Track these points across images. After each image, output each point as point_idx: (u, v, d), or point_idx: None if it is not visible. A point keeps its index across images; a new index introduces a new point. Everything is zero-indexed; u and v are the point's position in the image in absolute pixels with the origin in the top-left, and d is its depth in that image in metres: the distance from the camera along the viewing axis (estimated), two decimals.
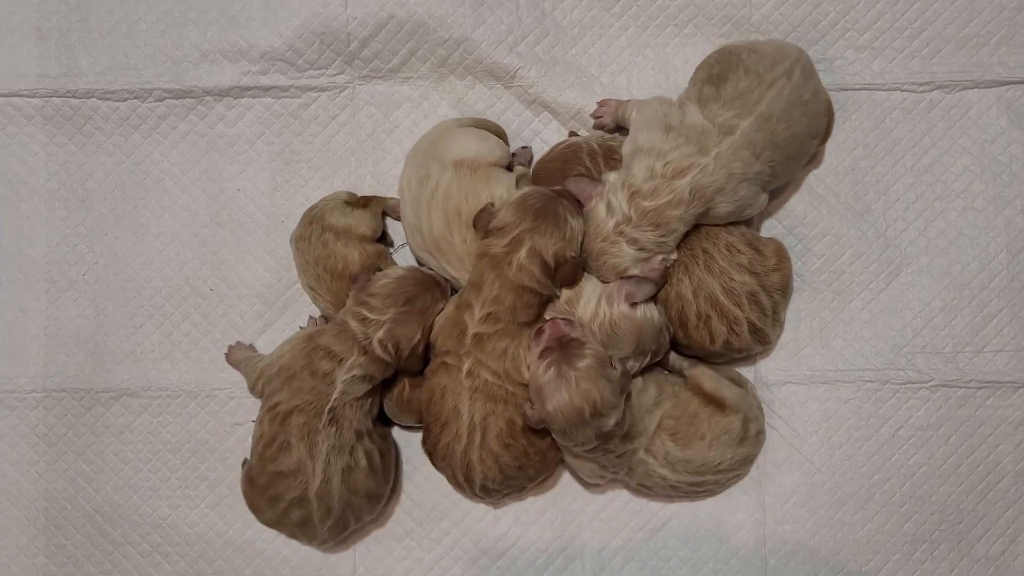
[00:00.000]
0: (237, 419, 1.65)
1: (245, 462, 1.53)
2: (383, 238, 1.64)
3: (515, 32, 1.64)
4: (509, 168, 1.58)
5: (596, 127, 1.63)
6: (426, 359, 1.50)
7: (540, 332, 1.40)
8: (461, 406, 1.42)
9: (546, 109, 1.66)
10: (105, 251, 1.69)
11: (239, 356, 1.60)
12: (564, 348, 1.35)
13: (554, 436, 1.41)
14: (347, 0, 1.62)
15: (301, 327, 1.61)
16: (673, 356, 1.56)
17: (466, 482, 1.47)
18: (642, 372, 1.50)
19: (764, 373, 1.61)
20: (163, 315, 1.68)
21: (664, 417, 1.46)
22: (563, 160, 1.56)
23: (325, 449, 1.43)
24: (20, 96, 1.68)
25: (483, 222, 1.43)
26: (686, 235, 1.46)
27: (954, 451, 1.60)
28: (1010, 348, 1.60)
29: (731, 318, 1.47)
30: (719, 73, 1.46)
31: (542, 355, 1.37)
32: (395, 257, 1.65)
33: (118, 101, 1.68)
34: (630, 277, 1.43)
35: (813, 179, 1.63)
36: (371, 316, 1.44)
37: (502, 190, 1.49)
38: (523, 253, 1.40)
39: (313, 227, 1.56)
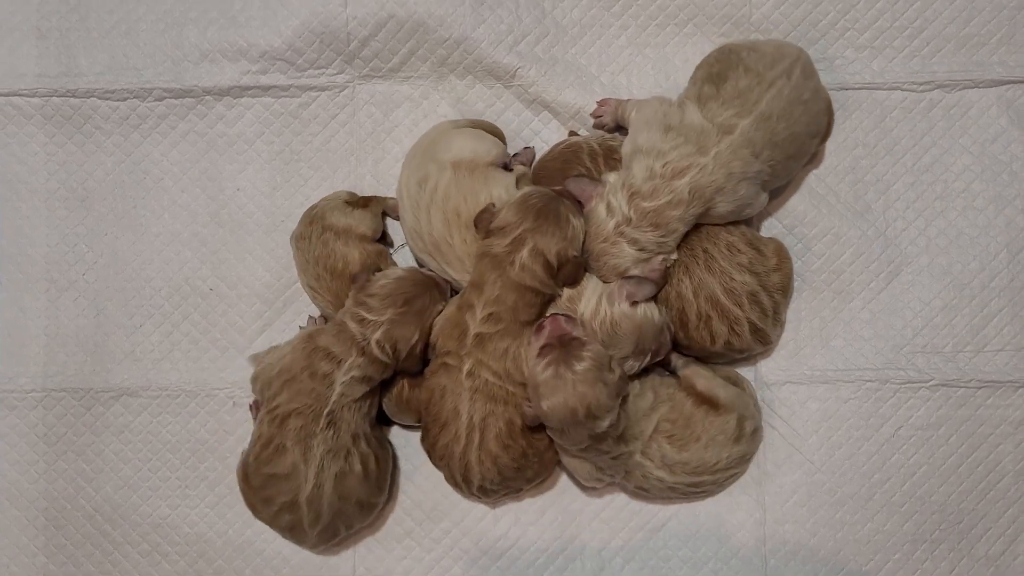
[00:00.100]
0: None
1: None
2: (383, 238, 1.64)
3: (515, 31, 1.64)
4: (507, 167, 1.58)
5: (596, 127, 1.63)
6: (425, 360, 1.50)
7: (541, 328, 1.40)
8: (460, 407, 1.42)
9: (546, 108, 1.66)
10: (105, 251, 1.69)
11: None
12: (564, 347, 1.35)
13: (549, 434, 1.41)
14: (347, 0, 1.62)
15: (301, 327, 1.61)
16: (672, 356, 1.55)
17: (464, 482, 1.47)
18: (643, 372, 1.49)
19: (764, 373, 1.61)
20: (163, 315, 1.68)
21: (660, 420, 1.46)
22: (563, 160, 1.56)
23: (320, 454, 1.43)
24: (20, 95, 1.68)
25: (484, 222, 1.43)
26: (686, 235, 1.46)
27: (954, 451, 1.60)
28: (1010, 348, 1.60)
29: (732, 318, 1.47)
30: (719, 72, 1.46)
31: (542, 352, 1.37)
32: (395, 257, 1.65)
33: (118, 101, 1.68)
34: (631, 277, 1.43)
35: (813, 178, 1.63)
36: (369, 317, 1.43)
37: (500, 190, 1.49)
38: (525, 253, 1.39)
39: (313, 226, 1.56)
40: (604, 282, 1.46)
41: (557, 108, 1.65)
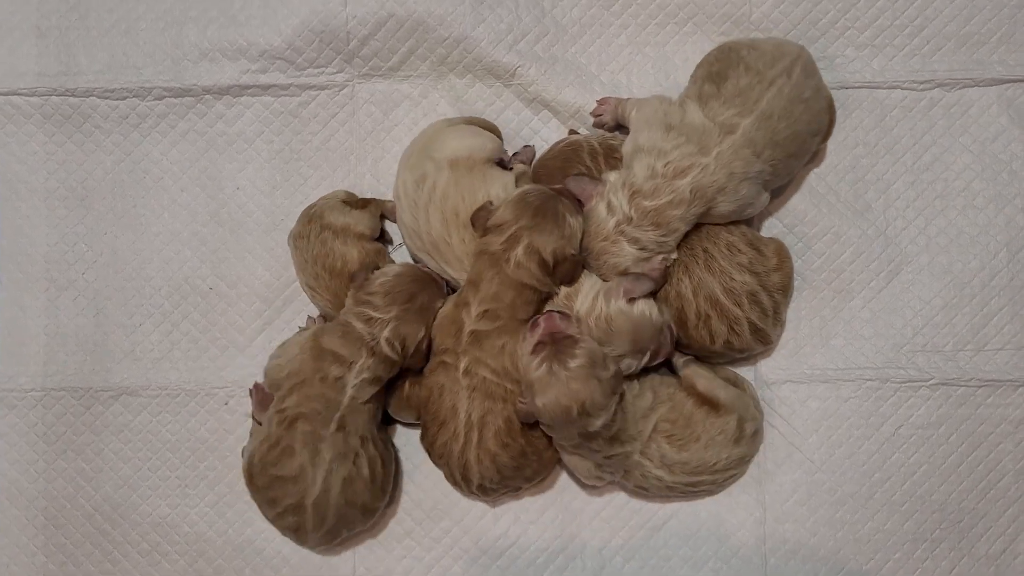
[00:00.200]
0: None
1: (244, 452, 1.54)
2: (381, 236, 1.64)
3: (515, 30, 1.64)
4: (505, 164, 1.58)
5: (595, 125, 1.63)
6: (428, 356, 1.50)
7: (535, 325, 1.40)
8: (459, 405, 1.42)
9: (546, 107, 1.66)
10: (104, 250, 1.69)
11: None
12: (557, 344, 1.35)
13: (543, 429, 1.41)
14: None
15: (301, 327, 1.61)
16: (674, 355, 1.55)
17: (463, 481, 1.47)
18: (644, 372, 1.49)
19: (764, 372, 1.61)
20: (162, 314, 1.68)
21: (660, 420, 1.46)
22: (563, 158, 1.55)
23: (328, 458, 1.42)
24: (19, 94, 1.68)
25: (481, 220, 1.43)
26: (687, 234, 1.46)
27: (955, 450, 1.59)
28: (1011, 346, 1.60)
29: (731, 318, 1.46)
30: (719, 71, 1.46)
31: (535, 349, 1.37)
32: (393, 255, 1.65)
33: (117, 99, 1.68)
34: (629, 273, 1.43)
35: (813, 177, 1.63)
36: (375, 315, 1.43)
37: (499, 188, 1.49)
38: (520, 250, 1.39)
39: (311, 225, 1.56)
40: (604, 280, 1.46)
41: (557, 107, 1.65)
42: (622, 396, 1.40)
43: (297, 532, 1.48)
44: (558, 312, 1.41)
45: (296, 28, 1.63)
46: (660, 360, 1.48)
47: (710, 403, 1.47)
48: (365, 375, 1.43)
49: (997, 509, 1.59)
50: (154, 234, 1.69)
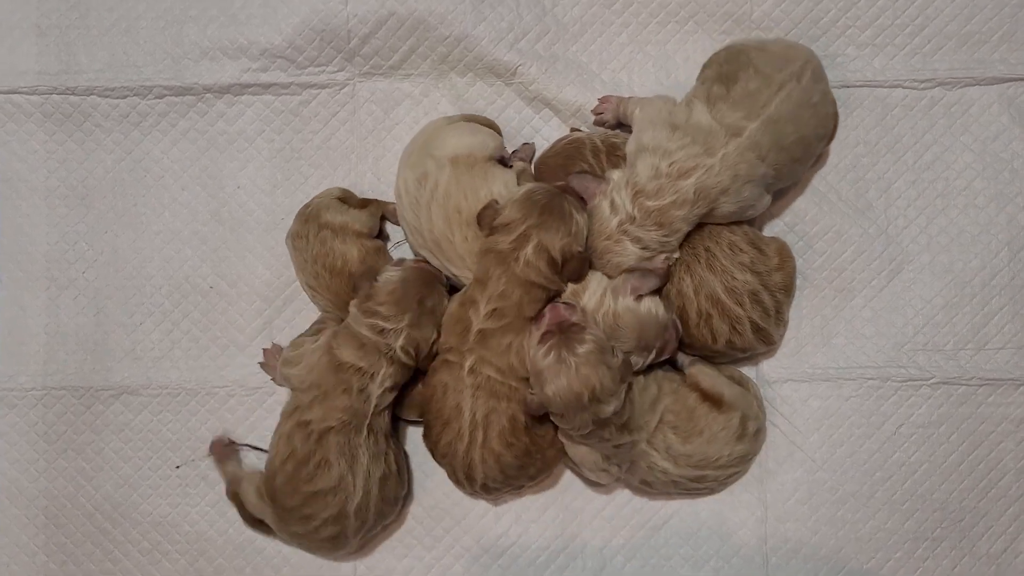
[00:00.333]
0: (237, 416, 1.65)
1: (229, 488, 1.56)
2: (380, 234, 1.63)
3: (516, 29, 1.64)
4: (503, 160, 1.57)
5: (596, 123, 1.63)
6: (434, 355, 1.50)
7: (540, 316, 1.40)
8: (463, 404, 1.42)
9: (547, 106, 1.66)
10: (105, 249, 1.69)
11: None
12: (564, 332, 1.35)
13: (553, 419, 1.41)
14: None
15: (304, 336, 1.58)
16: (679, 354, 1.55)
17: (467, 480, 1.47)
18: (649, 369, 1.49)
19: (766, 371, 1.61)
20: (163, 313, 1.67)
21: (665, 412, 1.46)
22: (565, 156, 1.55)
23: (366, 462, 1.43)
24: (20, 93, 1.68)
25: (488, 219, 1.43)
26: (689, 233, 1.46)
27: (955, 449, 1.59)
28: (1011, 346, 1.60)
29: (733, 317, 1.46)
30: (729, 72, 1.45)
31: (543, 339, 1.37)
32: (393, 254, 1.64)
33: (118, 98, 1.68)
34: (635, 270, 1.42)
35: (815, 177, 1.63)
36: (388, 326, 1.42)
37: (500, 186, 1.49)
38: (530, 249, 1.39)
39: (309, 225, 1.55)
40: (609, 278, 1.46)
41: (558, 106, 1.65)
42: (630, 386, 1.40)
43: (336, 540, 1.48)
44: (563, 303, 1.41)
45: (297, 27, 1.63)
46: (666, 357, 1.48)
47: (713, 399, 1.48)
48: (387, 383, 1.43)
49: (998, 508, 1.59)
50: (155, 233, 1.68)
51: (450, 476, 1.50)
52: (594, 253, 1.45)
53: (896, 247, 1.62)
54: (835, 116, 1.55)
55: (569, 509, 1.61)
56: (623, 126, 1.60)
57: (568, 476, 1.61)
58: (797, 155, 1.47)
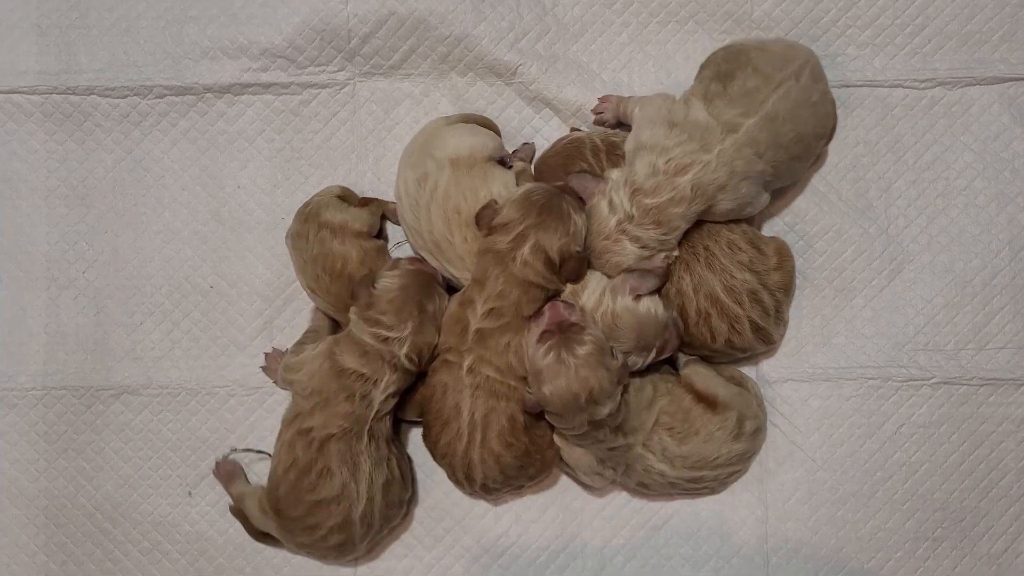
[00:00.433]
0: (237, 416, 1.65)
1: (233, 505, 1.56)
2: (380, 233, 1.63)
3: (516, 29, 1.64)
4: (503, 160, 1.57)
5: (596, 123, 1.63)
6: (434, 356, 1.50)
7: (540, 314, 1.40)
8: (462, 404, 1.42)
9: (547, 106, 1.66)
10: (105, 248, 1.69)
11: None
12: (564, 332, 1.35)
13: (548, 418, 1.41)
14: None
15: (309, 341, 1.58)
16: (679, 354, 1.55)
17: (466, 480, 1.47)
18: (647, 369, 1.49)
19: (766, 370, 1.61)
20: (163, 313, 1.67)
21: (660, 413, 1.46)
22: (565, 156, 1.55)
23: (368, 469, 1.43)
24: (20, 93, 1.68)
25: (486, 219, 1.43)
26: (688, 232, 1.46)
27: (956, 448, 1.59)
28: (1012, 345, 1.60)
29: (732, 316, 1.46)
30: (727, 71, 1.45)
31: (542, 338, 1.37)
32: (394, 254, 1.64)
33: (118, 98, 1.68)
34: (635, 270, 1.42)
35: (815, 176, 1.63)
36: (392, 335, 1.41)
37: (500, 187, 1.49)
38: (527, 249, 1.39)
39: (309, 224, 1.54)
40: (608, 278, 1.46)
41: (558, 105, 1.65)
42: (626, 388, 1.40)
43: (342, 547, 1.48)
44: (562, 301, 1.41)
45: (297, 26, 1.63)
46: (666, 356, 1.48)
47: (708, 400, 1.48)
48: (390, 390, 1.43)
49: (999, 508, 1.59)
50: (155, 233, 1.68)
51: (450, 476, 1.50)
52: (593, 253, 1.45)
53: (897, 247, 1.62)
54: (834, 115, 1.55)
55: (569, 509, 1.61)
56: (623, 125, 1.60)
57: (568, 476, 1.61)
58: (795, 153, 1.47)
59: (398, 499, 1.50)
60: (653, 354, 1.45)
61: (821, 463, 1.59)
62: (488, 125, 1.61)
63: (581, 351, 1.33)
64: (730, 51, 1.49)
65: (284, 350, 1.59)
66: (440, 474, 1.53)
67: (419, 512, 1.63)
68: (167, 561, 1.64)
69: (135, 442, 1.66)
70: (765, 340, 1.52)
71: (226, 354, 1.66)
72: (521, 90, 1.66)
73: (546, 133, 1.67)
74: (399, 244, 1.65)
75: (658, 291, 1.44)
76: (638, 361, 1.44)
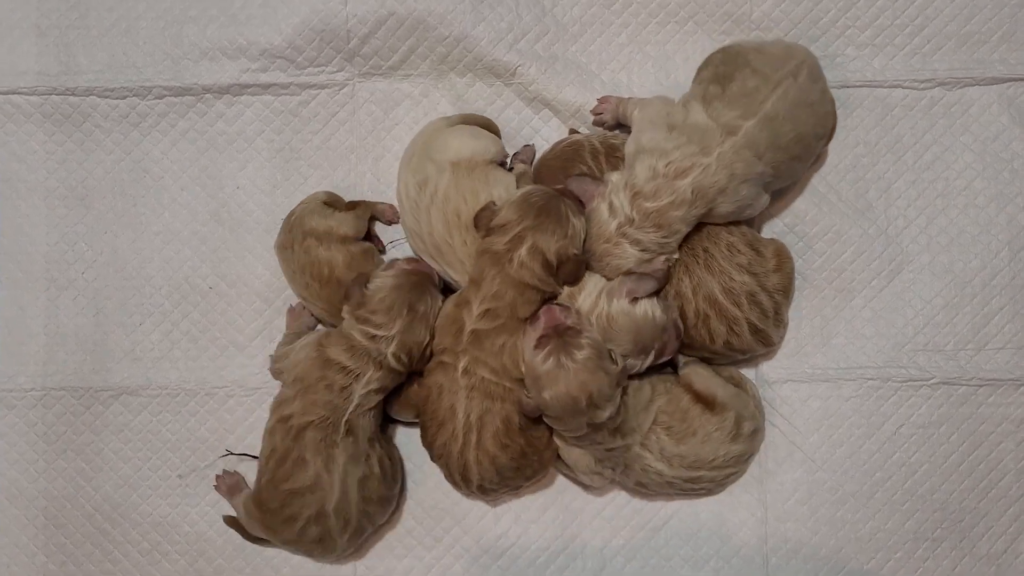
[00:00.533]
0: (236, 417, 1.65)
1: (227, 516, 1.57)
2: (368, 236, 1.62)
3: (515, 29, 1.64)
4: (503, 163, 1.57)
5: (596, 124, 1.62)
6: (430, 357, 1.49)
7: (535, 317, 1.40)
8: (457, 405, 1.42)
9: (546, 107, 1.66)
10: (104, 249, 1.69)
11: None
12: (562, 336, 1.35)
13: (547, 421, 1.41)
14: None
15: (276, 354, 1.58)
16: (678, 356, 1.55)
17: (463, 481, 1.47)
18: (649, 371, 1.48)
19: (765, 371, 1.61)
20: (162, 313, 1.67)
21: (659, 412, 1.46)
22: (565, 158, 1.55)
23: (342, 462, 1.43)
24: (19, 94, 1.68)
25: (485, 220, 1.43)
26: (687, 234, 1.46)
27: (955, 449, 1.59)
28: (1011, 346, 1.60)
29: (730, 318, 1.46)
30: (725, 73, 1.45)
31: (540, 343, 1.36)
32: (393, 252, 1.64)
33: (117, 99, 1.68)
34: (633, 273, 1.42)
35: (815, 177, 1.63)
36: (380, 333, 1.42)
37: (501, 190, 1.49)
38: (524, 250, 1.39)
39: (293, 234, 1.54)
40: (608, 280, 1.45)
41: (557, 106, 1.65)
42: (625, 389, 1.40)
43: (323, 542, 1.47)
44: (557, 304, 1.41)
45: (296, 27, 1.63)
46: (666, 358, 1.47)
47: (706, 401, 1.48)
48: (372, 386, 1.43)
49: (998, 508, 1.59)
50: (154, 233, 1.68)
51: (447, 477, 1.50)
52: (594, 256, 1.45)
53: (896, 247, 1.62)
54: (833, 115, 1.55)
55: (569, 509, 1.61)
56: (622, 126, 1.60)
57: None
58: (795, 154, 1.47)
59: (377, 496, 1.49)
60: (652, 357, 1.44)
61: (821, 464, 1.59)
62: (488, 126, 1.60)
63: (580, 355, 1.33)
64: (728, 53, 1.49)
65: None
66: (440, 474, 1.52)
67: (419, 512, 1.63)
68: (166, 562, 1.64)
69: (134, 443, 1.66)
70: (764, 342, 1.51)
71: (225, 355, 1.66)
72: (520, 91, 1.66)
73: (545, 134, 1.67)
74: (394, 244, 1.65)
75: (656, 294, 1.44)
76: (636, 364, 1.44)
